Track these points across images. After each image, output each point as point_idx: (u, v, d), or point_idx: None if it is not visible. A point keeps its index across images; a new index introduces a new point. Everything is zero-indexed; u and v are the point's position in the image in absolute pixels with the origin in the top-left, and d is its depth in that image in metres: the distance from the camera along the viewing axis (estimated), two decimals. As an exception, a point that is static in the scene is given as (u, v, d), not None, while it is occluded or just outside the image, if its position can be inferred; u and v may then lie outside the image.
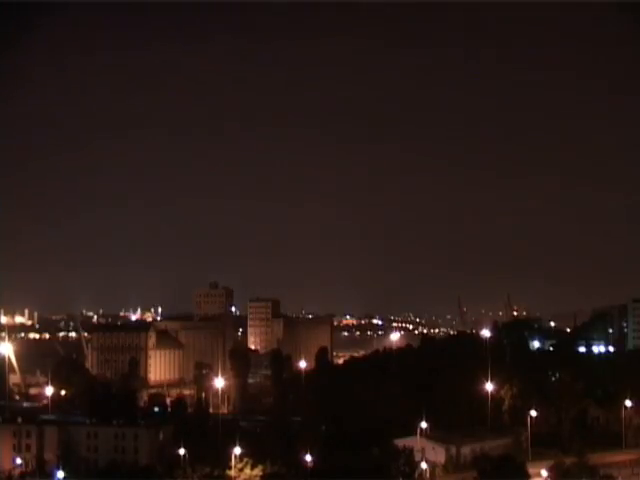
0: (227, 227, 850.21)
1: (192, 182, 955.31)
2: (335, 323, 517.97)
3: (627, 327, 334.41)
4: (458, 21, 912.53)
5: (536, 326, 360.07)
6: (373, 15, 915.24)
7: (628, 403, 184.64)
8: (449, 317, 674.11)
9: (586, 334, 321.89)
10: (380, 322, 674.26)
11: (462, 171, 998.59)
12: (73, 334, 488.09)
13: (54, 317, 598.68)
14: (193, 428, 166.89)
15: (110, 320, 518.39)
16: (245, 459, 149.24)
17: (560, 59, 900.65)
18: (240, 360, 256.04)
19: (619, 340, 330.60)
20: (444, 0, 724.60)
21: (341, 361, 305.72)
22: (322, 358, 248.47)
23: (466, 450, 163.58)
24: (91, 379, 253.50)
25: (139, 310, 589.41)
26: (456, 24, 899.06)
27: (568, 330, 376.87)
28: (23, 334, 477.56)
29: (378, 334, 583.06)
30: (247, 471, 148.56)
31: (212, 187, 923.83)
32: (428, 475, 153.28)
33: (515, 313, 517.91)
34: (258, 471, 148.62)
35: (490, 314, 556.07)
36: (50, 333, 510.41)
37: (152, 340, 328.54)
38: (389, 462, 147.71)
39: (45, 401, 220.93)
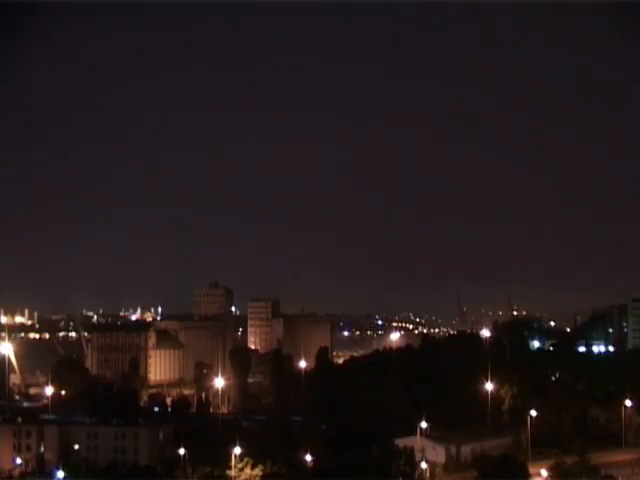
0: (228, 227, 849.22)
1: (192, 181, 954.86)
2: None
3: (627, 327, 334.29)
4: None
5: (536, 326, 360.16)
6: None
7: (628, 403, 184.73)
8: (449, 317, 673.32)
9: (586, 334, 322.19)
10: (380, 322, 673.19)
11: (462, 171, 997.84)
12: (73, 334, 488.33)
13: (54, 317, 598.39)
14: (193, 428, 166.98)
15: (110, 320, 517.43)
16: (245, 459, 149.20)
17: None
18: (240, 360, 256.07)
19: (619, 340, 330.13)
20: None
21: (341, 361, 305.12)
22: (322, 358, 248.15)
23: (466, 450, 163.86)
24: (91, 379, 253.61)
25: (139, 310, 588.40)
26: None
27: (568, 330, 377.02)
28: (23, 334, 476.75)
29: (378, 334, 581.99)
30: (247, 471, 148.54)
31: (212, 186, 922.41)
32: (428, 475, 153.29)
33: (515, 313, 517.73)
34: (258, 471, 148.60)
35: (490, 314, 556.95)
36: (50, 333, 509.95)
37: (152, 340, 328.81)
38: (390, 462, 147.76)
39: (45, 401, 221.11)
